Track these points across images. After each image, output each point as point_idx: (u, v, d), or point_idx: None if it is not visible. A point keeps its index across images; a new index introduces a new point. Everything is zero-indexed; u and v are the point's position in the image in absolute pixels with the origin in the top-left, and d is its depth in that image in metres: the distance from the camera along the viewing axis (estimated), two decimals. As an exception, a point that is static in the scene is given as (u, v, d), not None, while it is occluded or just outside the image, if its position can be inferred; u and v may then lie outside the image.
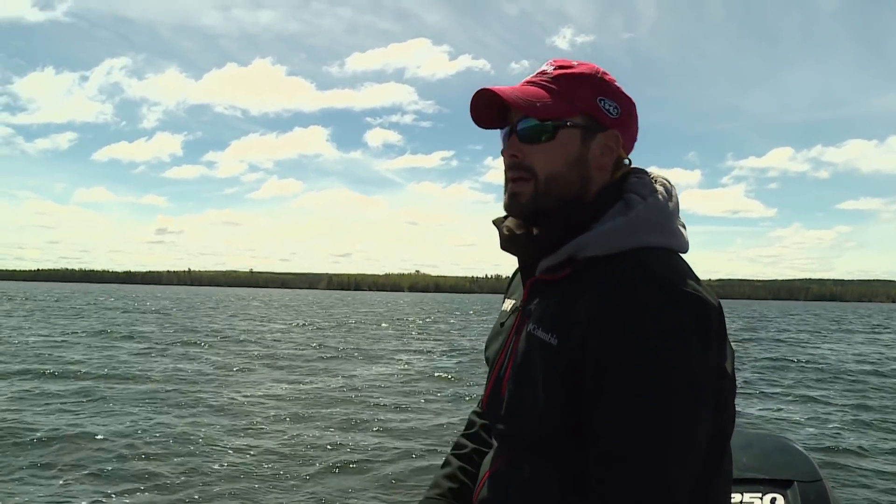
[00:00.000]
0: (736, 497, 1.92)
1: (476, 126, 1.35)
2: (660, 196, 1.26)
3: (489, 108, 1.32)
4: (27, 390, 10.77)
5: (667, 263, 1.17)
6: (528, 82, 1.30)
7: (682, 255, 1.26)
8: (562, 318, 1.19)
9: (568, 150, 1.25)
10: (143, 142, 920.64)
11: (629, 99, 1.32)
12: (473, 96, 1.29)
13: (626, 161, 1.33)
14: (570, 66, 1.29)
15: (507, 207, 1.32)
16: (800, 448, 2.10)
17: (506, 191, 1.31)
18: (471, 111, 1.32)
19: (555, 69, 1.29)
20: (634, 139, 1.35)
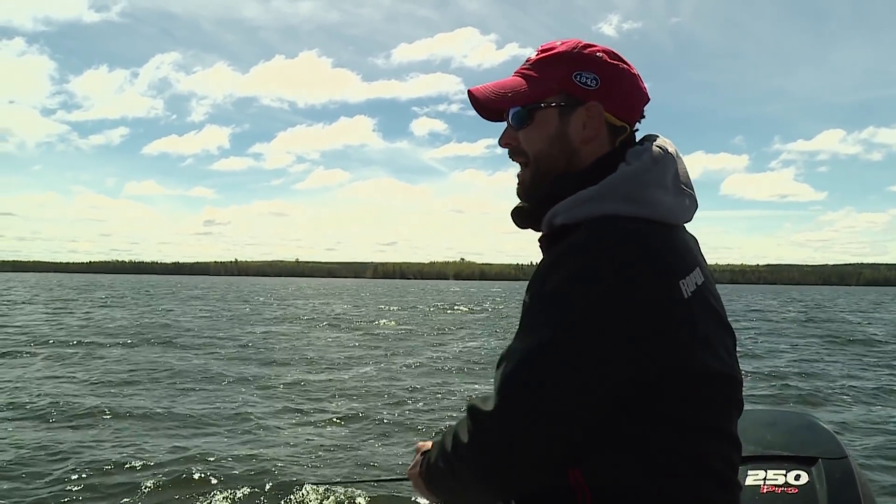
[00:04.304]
0: (760, 474, 1.94)
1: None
2: (643, 164, 1.26)
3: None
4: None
5: (612, 233, 1.16)
6: (515, 72, 1.38)
7: (666, 224, 1.24)
8: (532, 279, 1.24)
9: (547, 129, 1.32)
10: (192, 135, 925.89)
11: (614, 65, 1.32)
12: (469, 98, 1.38)
13: (626, 126, 1.33)
14: (551, 49, 1.34)
15: (517, 194, 1.40)
16: (825, 425, 2.10)
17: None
18: (475, 109, 1.41)
19: (536, 54, 1.36)
20: (631, 104, 1.35)
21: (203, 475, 6.23)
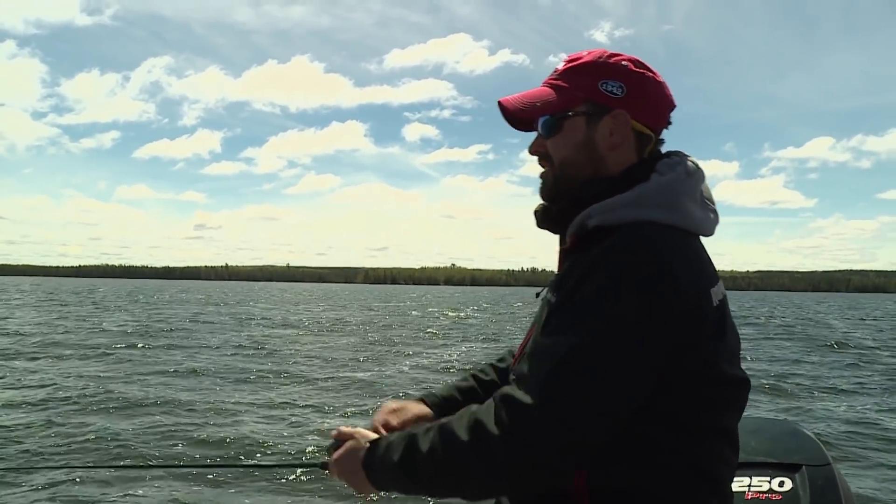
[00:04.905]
0: (744, 480, 1.95)
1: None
2: (677, 175, 1.30)
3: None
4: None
5: (655, 238, 1.19)
6: (544, 82, 1.42)
7: (696, 234, 1.30)
8: (562, 279, 1.25)
9: (574, 136, 1.36)
10: (183, 139, 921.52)
11: (639, 74, 1.35)
12: (499, 108, 1.43)
13: (651, 134, 1.37)
14: (578, 59, 1.39)
15: (540, 193, 1.44)
16: (808, 433, 2.12)
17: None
18: (505, 119, 1.46)
19: (564, 64, 1.40)
20: (657, 111, 1.38)
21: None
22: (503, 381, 1.64)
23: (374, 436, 1.37)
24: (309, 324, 27.60)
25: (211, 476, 6.10)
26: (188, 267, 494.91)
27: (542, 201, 1.44)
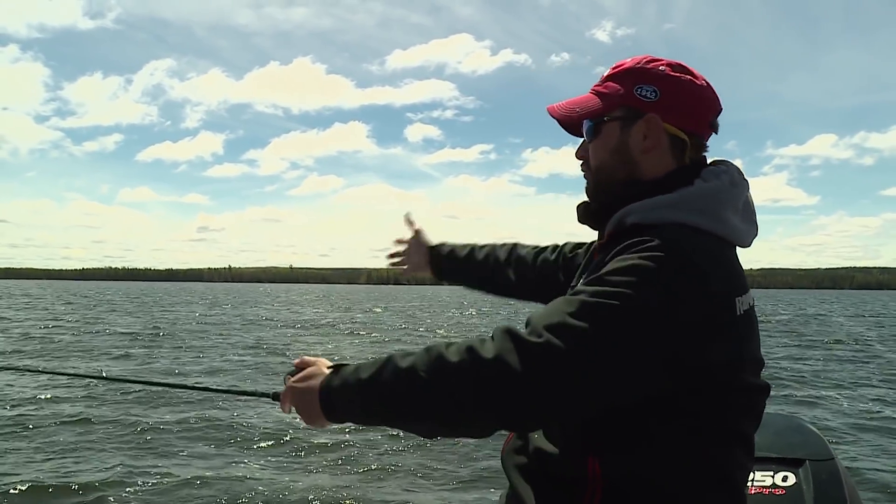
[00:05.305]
0: (748, 475, 1.96)
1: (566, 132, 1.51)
2: (721, 183, 1.31)
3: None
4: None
5: (686, 240, 1.20)
6: (591, 89, 1.44)
7: (731, 243, 1.31)
8: (592, 270, 1.27)
9: (609, 141, 1.39)
10: (186, 142, 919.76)
11: (674, 77, 1.36)
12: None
13: (686, 138, 1.36)
14: (621, 65, 1.41)
15: (586, 193, 1.48)
16: (812, 427, 2.12)
17: None
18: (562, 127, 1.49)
19: (609, 71, 1.42)
20: (694, 114, 1.37)
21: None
22: (538, 259, 1.91)
23: (323, 363, 1.35)
24: (315, 325, 27.64)
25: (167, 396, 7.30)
26: (191, 269, 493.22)
27: (587, 200, 1.47)
